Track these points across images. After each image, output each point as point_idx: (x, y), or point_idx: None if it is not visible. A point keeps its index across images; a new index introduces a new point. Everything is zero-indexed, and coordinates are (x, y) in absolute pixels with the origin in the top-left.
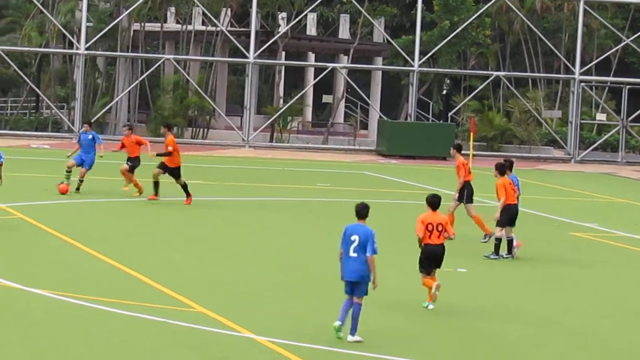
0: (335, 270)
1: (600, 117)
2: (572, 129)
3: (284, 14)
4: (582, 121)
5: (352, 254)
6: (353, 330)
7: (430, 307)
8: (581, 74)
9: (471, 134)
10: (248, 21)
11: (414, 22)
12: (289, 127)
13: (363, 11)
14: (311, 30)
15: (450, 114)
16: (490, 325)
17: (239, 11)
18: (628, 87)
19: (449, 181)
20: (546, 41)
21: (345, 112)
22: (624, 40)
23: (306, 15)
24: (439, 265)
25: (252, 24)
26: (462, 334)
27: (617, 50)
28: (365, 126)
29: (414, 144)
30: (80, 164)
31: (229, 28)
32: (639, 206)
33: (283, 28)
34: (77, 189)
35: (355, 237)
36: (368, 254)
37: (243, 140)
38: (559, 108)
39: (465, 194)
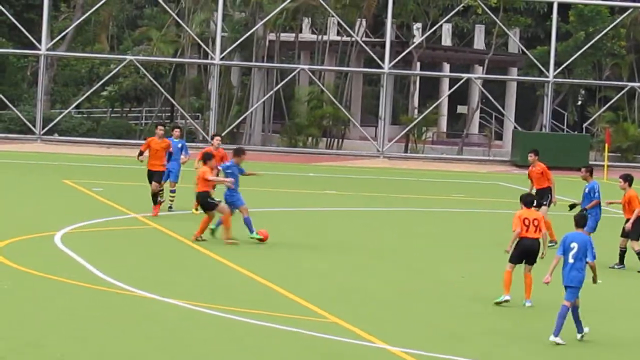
0: (472, 279)
1: None
2: None
3: (418, 25)
4: None
5: (570, 260)
6: (556, 331)
7: (529, 304)
8: None
9: (606, 145)
10: (383, 31)
11: (548, 32)
12: (423, 137)
13: (498, 22)
14: (446, 40)
15: (585, 124)
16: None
17: (373, 22)
18: None
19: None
20: None
21: (479, 122)
22: None
23: (441, 25)
24: (533, 261)
25: (387, 34)
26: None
27: None
28: (499, 137)
29: (549, 155)
30: (166, 178)
31: (363, 38)
32: None
33: (418, 38)
34: (170, 207)
35: (574, 245)
36: (589, 260)
37: (377, 150)
38: None
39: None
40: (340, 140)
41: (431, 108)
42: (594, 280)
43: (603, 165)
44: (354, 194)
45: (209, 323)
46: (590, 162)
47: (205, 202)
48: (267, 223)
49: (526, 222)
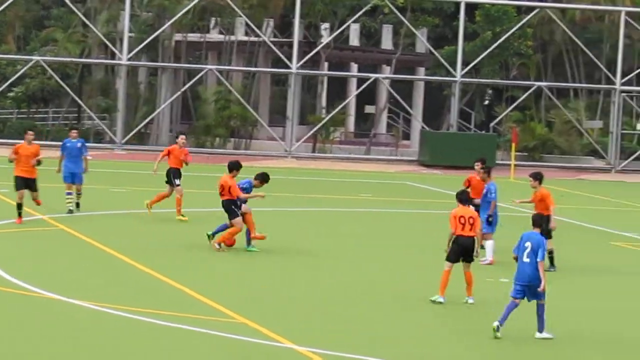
0: (381, 277)
1: None
2: (613, 138)
3: (326, 25)
4: (623, 131)
5: (525, 259)
6: (541, 328)
7: (471, 301)
8: (622, 84)
9: (513, 144)
10: (291, 31)
11: (456, 32)
12: (331, 137)
13: (405, 22)
14: (354, 40)
15: (492, 124)
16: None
17: (281, 22)
18: None
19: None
20: (587, 52)
21: (387, 122)
22: None
23: (349, 25)
24: (470, 258)
25: (294, 34)
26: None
27: None
28: (407, 136)
29: (456, 154)
30: (72, 181)
31: (271, 38)
32: None
33: (326, 38)
34: (70, 210)
35: (528, 244)
36: (538, 259)
37: (285, 150)
38: (600, 118)
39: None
40: (248, 140)
41: (339, 108)
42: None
43: (510, 165)
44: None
45: (115, 324)
46: (498, 162)
47: (231, 209)
48: (179, 225)
49: (462, 220)
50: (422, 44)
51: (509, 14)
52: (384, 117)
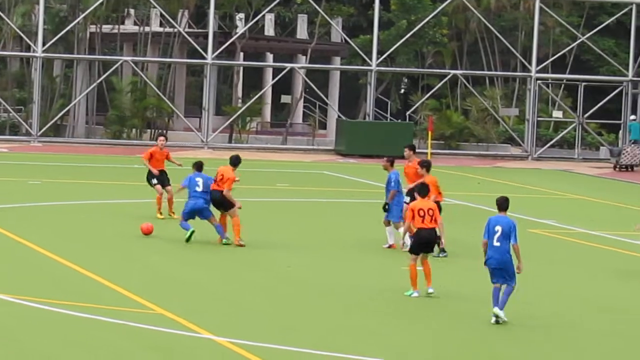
0: (301, 268)
1: (557, 114)
2: (529, 126)
3: (241, 15)
4: (538, 119)
5: (495, 243)
6: (502, 305)
7: (430, 290)
8: (537, 71)
9: (429, 133)
10: (206, 22)
11: (371, 21)
12: (247, 127)
13: (320, 11)
14: (269, 30)
15: (408, 112)
16: (459, 323)
17: (196, 12)
18: (584, 84)
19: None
20: (502, 39)
21: (303, 112)
22: (580, 38)
23: (264, 15)
24: (430, 250)
25: (209, 25)
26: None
27: (572, 48)
28: (323, 126)
29: (373, 143)
30: None
31: (186, 29)
32: (595, 202)
33: (241, 29)
34: None
35: (498, 228)
36: (512, 243)
37: (202, 141)
38: (516, 106)
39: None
40: (165, 131)
41: (255, 98)
42: (518, 263)
43: (427, 153)
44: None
45: (32, 316)
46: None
47: (226, 202)
48: (99, 217)
49: (421, 212)
50: (338, 33)
51: (424, 3)
52: (300, 107)
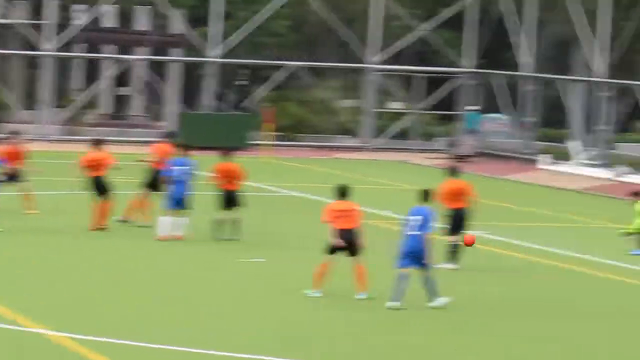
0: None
1: (395, 105)
2: (368, 117)
3: (80, 6)
4: (377, 110)
5: (412, 231)
6: (432, 297)
7: (362, 296)
8: (376, 63)
9: (269, 124)
10: (43, 12)
11: (211, 13)
12: (85, 120)
13: (159, 2)
14: (108, 22)
15: (247, 104)
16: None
17: (34, 3)
18: (421, 75)
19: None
20: (341, 31)
21: (143, 104)
22: (419, 29)
23: (103, 6)
24: (354, 251)
25: (47, 15)
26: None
27: (412, 39)
28: (163, 118)
29: (213, 135)
30: None
31: (23, 20)
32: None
33: (79, 20)
34: None
35: (418, 217)
36: (426, 232)
37: (39, 134)
38: (356, 97)
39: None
40: (1, 124)
41: (93, 90)
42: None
43: (266, 145)
44: None
45: None
46: (253, 142)
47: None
48: None
49: (338, 213)
50: (178, 24)
51: None
52: (139, 99)
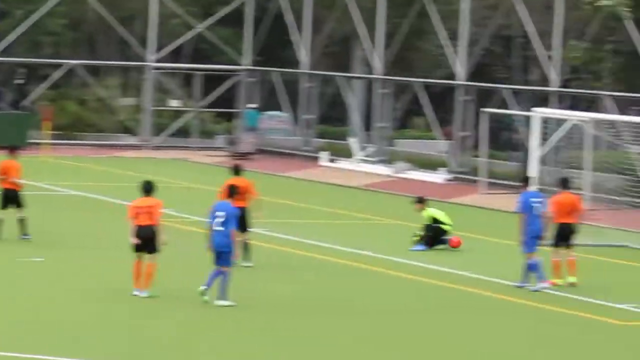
0: None
1: (174, 103)
2: (147, 115)
3: None
4: (157, 108)
5: (217, 228)
6: (223, 295)
7: (143, 294)
8: (155, 61)
9: (47, 123)
10: None
11: None
12: None
13: None
14: None
15: (25, 103)
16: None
17: None
18: (201, 73)
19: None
20: (120, 29)
21: None
22: (197, 28)
23: None
24: (151, 249)
25: None
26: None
27: (191, 37)
28: None
29: None
30: None
31: None
32: (212, 191)
33: None
34: None
35: (222, 213)
36: (231, 228)
37: None
38: (135, 95)
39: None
40: None
41: None
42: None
43: (44, 143)
44: None
45: None
46: (31, 141)
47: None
48: None
49: (139, 210)
50: None
51: None
52: None
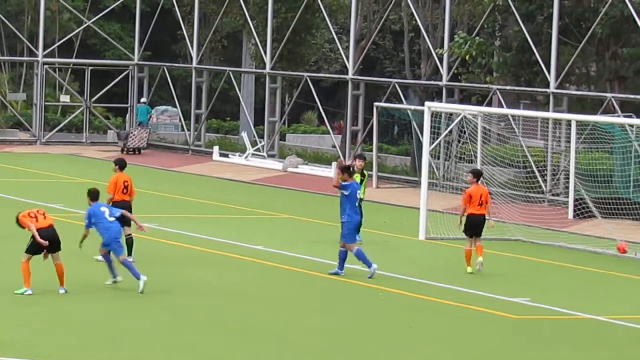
0: None
1: (65, 98)
2: (37, 111)
3: None
4: (47, 103)
5: (109, 218)
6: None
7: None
8: (45, 56)
9: None
10: None
11: None
12: None
13: None
14: None
15: None
16: None
17: None
18: (91, 68)
19: None
20: (9, 24)
21: None
22: (86, 22)
23: None
24: (56, 249)
25: None
26: None
27: (79, 32)
28: None
29: None
30: None
31: None
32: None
33: None
34: None
35: (105, 209)
36: (116, 215)
37: None
38: (24, 91)
39: None
40: None
41: None
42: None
43: None
44: None
45: None
46: None
47: None
48: None
49: (33, 213)
50: None
51: None
52: None
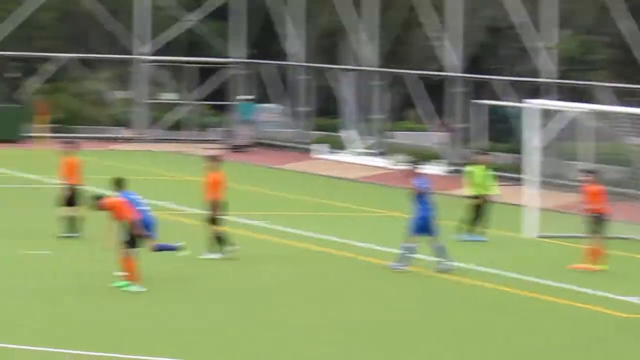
0: None
1: (169, 96)
2: (142, 108)
3: None
4: (151, 101)
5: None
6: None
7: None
8: (150, 54)
9: (42, 117)
10: None
11: None
12: None
13: None
14: None
15: (19, 96)
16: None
17: None
18: (196, 66)
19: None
20: (111, 22)
21: None
22: (190, 20)
23: None
24: None
25: None
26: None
27: (184, 29)
28: None
29: None
30: None
31: None
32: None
33: None
34: None
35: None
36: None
37: None
38: (129, 88)
39: None
40: None
41: None
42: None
43: (40, 137)
44: None
45: None
46: (27, 134)
47: None
48: None
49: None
50: None
51: None
52: None
